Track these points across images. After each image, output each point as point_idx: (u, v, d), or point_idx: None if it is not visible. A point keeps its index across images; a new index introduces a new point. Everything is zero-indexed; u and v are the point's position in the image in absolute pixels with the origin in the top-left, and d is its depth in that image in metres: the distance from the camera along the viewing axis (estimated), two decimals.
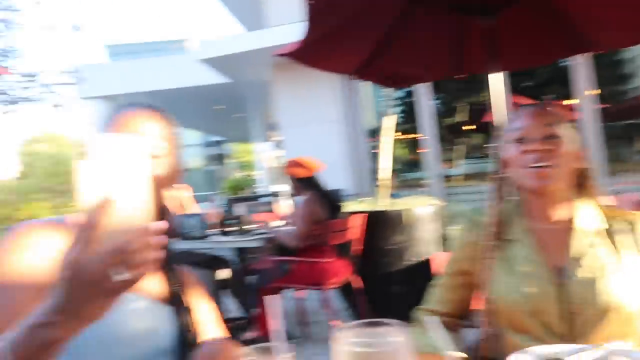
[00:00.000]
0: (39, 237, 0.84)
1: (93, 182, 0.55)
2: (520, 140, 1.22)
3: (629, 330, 1.07)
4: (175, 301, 0.97)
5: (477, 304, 1.27)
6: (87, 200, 0.55)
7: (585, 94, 5.76)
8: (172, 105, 11.62)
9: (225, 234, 3.71)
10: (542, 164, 1.16)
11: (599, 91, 5.90)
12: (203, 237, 3.66)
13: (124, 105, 0.98)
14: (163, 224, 0.57)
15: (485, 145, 7.14)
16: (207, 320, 1.03)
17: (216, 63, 7.65)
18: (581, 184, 1.27)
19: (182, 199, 3.70)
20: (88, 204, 0.55)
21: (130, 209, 0.56)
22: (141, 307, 0.90)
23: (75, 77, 9.15)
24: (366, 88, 7.40)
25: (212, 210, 3.81)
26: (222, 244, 3.76)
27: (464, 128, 7.24)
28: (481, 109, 7.16)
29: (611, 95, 7.09)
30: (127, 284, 0.57)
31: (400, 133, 7.65)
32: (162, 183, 0.93)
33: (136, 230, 0.55)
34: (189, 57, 10.91)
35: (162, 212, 0.99)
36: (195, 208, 4.03)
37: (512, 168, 1.24)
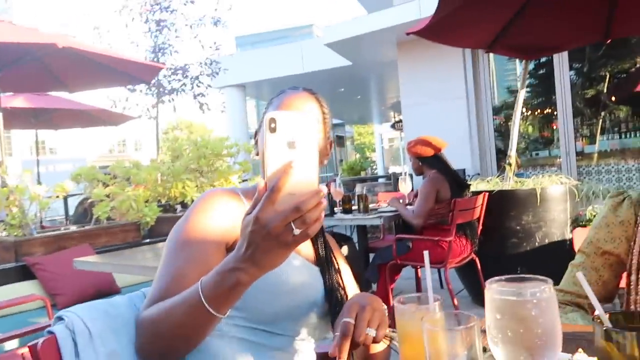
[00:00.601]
0: (222, 202, 1.00)
1: (276, 152, 0.65)
2: None
3: None
4: (324, 262, 1.10)
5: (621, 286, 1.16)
6: (271, 167, 0.65)
7: None
8: None
9: (347, 212, 3.86)
10: None
11: None
12: (328, 215, 3.85)
13: (287, 89, 1.12)
14: (325, 188, 0.67)
15: (629, 119, 6.41)
16: (348, 281, 1.16)
17: (340, 46, 7.83)
18: None
19: None
20: (272, 170, 0.65)
21: (304, 174, 0.66)
22: (298, 264, 1.04)
23: (212, 69, 9.96)
24: (493, 62, 7.04)
25: (334, 189, 3.97)
26: (345, 222, 3.92)
27: (604, 100, 6.56)
28: (629, 78, 6.43)
29: None
30: (302, 238, 0.66)
31: (530, 109, 7.17)
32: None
33: (310, 192, 0.65)
34: (311, 43, 11.28)
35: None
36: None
37: None
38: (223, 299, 0.73)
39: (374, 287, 3.68)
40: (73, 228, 3.84)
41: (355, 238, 4.19)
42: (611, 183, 5.87)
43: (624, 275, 1.16)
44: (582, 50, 6.42)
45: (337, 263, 1.13)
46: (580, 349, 0.81)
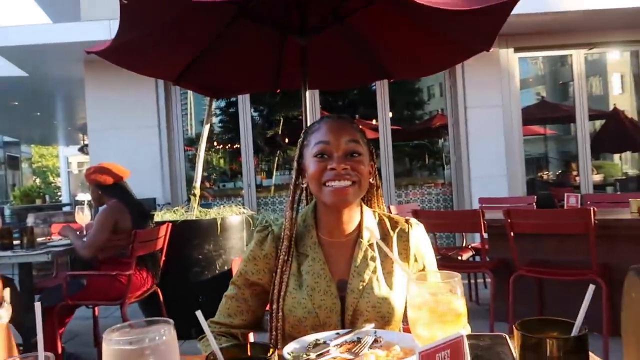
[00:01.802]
0: None
1: None
2: (322, 155, 1.19)
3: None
4: None
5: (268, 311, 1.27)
6: None
7: (383, 116, 6.51)
8: None
9: (6, 247, 3.24)
10: (342, 184, 1.16)
11: (391, 114, 6.74)
12: None
13: None
14: None
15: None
16: None
17: (12, 54, 6.70)
18: (370, 197, 1.32)
19: None
20: None
21: None
22: None
23: None
24: (189, 95, 7.23)
25: None
26: (2, 260, 3.25)
27: (279, 141, 7.57)
28: (297, 123, 7.59)
29: (404, 118, 8.15)
30: None
31: (220, 142, 7.65)
32: None
33: None
34: None
35: None
36: None
37: (312, 183, 1.21)
38: None
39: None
40: None
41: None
42: (283, 213, 6.75)
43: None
44: (262, 95, 7.27)
45: None
46: None
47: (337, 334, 1.04)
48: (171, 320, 0.65)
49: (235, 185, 7.38)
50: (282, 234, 1.25)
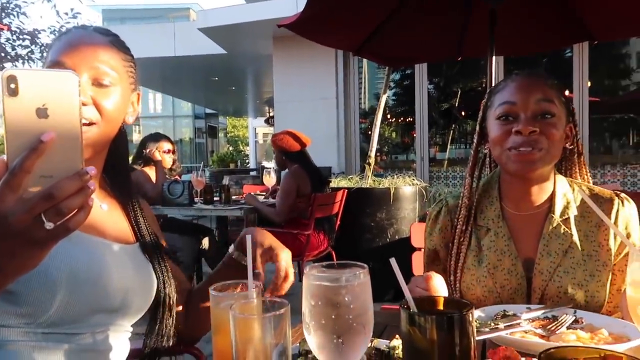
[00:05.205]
0: None
1: (19, 122, 0.50)
2: (507, 117, 1.06)
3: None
4: (149, 244, 0.97)
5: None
6: (13, 141, 0.50)
7: (580, 85, 5.79)
8: (163, 74, 11.53)
9: (208, 202, 3.73)
10: (529, 148, 1.01)
11: (589, 84, 5.94)
12: (187, 204, 3.68)
13: (72, 28, 0.91)
14: (93, 169, 0.52)
15: (474, 132, 7.18)
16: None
17: (215, 33, 7.59)
18: (569, 166, 1.16)
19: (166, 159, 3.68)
20: (14, 145, 0.50)
21: (61, 151, 0.51)
22: (106, 249, 0.89)
23: None
24: (364, 68, 7.36)
25: (195, 178, 3.82)
26: (205, 212, 3.78)
27: (455, 113, 7.26)
28: (476, 95, 7.17)
29: (605, 89, 7.11)
30: (60, 233, 0.51)
31: (394, 116, 7.65)
32: (111, 115, 0.87)
33: (66, 175, 0.50)
34: (186, 26, 10.76)
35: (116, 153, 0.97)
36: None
37: (495, 148, 1.09)
38: None
39: None
40: None
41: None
42: (456, 187, 6.51)
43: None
44: (440, 67, 7.02)
45: (159, 245, 0.99)
46: (397, 335, 0.83)
47: (528, 308, 0.96)
48: (365, 265, 0.65)
49: (407, 157, 7.34)
50: (460, 202, 1.16)
